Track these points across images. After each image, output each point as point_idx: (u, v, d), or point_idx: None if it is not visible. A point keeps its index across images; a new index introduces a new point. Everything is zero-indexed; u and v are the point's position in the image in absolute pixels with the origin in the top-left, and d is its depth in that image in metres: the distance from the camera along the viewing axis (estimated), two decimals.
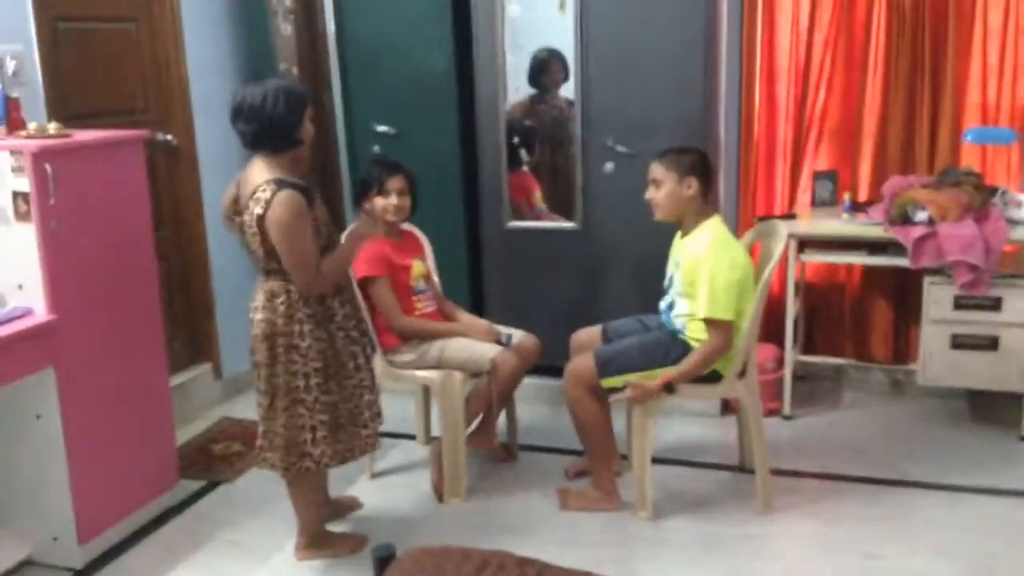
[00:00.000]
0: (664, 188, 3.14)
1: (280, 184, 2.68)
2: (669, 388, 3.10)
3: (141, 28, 3.97)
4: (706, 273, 3.04)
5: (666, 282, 3.30)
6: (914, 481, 3.47)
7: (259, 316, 2.81)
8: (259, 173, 2.73)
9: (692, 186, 3.12)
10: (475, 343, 3.43)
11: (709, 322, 3.05)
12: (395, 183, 3.39)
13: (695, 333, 3.14)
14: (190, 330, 4.31)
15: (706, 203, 3.19)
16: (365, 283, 3.38)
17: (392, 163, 3.50)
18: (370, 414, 2.97)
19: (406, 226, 3.59)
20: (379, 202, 3.40)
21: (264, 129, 2.72)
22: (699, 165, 3.16)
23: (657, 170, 3.15)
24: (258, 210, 2.68)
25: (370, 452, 3.06)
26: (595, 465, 3.35)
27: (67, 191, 2.88)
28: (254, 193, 2.70)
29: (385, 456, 3.77)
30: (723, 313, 3.03)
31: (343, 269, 2.89)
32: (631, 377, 3.19)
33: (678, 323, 3.21)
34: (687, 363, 3.10)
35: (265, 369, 2.82)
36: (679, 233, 3.25)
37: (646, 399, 3.12)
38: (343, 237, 3.02)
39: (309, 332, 2.80)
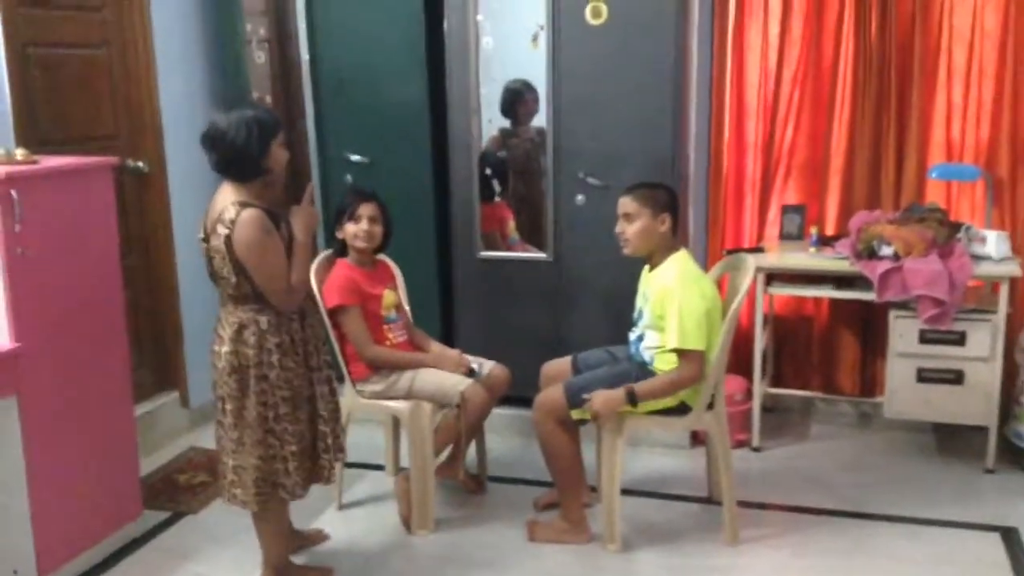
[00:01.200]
0: (637, 223, 3.16)
1: (244, 205, 2.69)
2: (631, 399, 3.09)
3: (112, 54, 3.96)
4: (675, 305, 3.07)
5: (635, 314, 3.32)
6: (879, 514, 3.49)
7: (226, 348, 2.77)
8: (225, 197, 2.74)
9: (666, 222, 3.16)
10: (445, 375, 3.42)
11: (680, 352, 3.07)
12: (366, 209, 3.40)
13: (664, 365, 3.16)
14: (158, 358, 4.27)
15: (675, 237, 3.22)
16: (336, 312, 3.37)
17: (365, 191, 3.50)
18: (324, 445, 2.94)
19: (379, 257, 3.59)
20: (350, 228, 3.40)
21: (229, 157, 2.72)
22: (672, 201, 3.20)
23: (629, 205, 3.17)
24: (224, 231, 2.67)
25: (325, 483, 3.01)
26: (564, 497, 3.34)
27: (33, 218, 2.85)
28: (220, 216, 2.69)
29: (353, 487, 3.74)
30: (693, 343, 3.05)
31: (307, 268, 2.88)
32: None
33: (647, 355, 3.22)
34: (656, 380, 3.11)
35: (234, 403, 2.79)
36: (647, 266, 3.27)
37: (609, 409, 3.11)
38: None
39: (278, 362, 2.78)
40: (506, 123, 4.20)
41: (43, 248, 2.90)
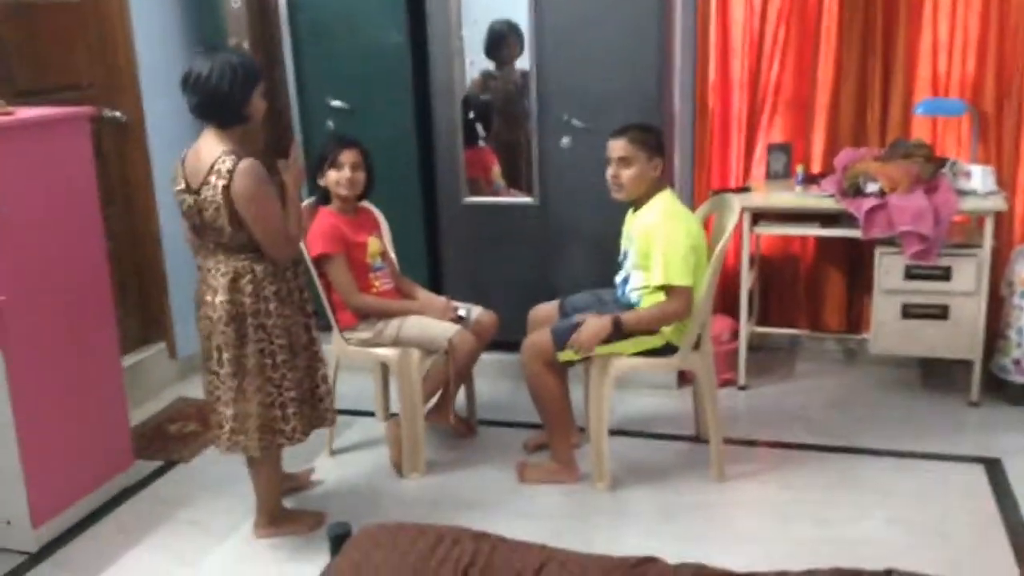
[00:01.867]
0: (634, 167, 3.14)
1: (237, 155, 2.66)
2: (617, 328, 3.09)
3: (86, 2, 3.88)
4: (660, 242, 3.07)
5: (621, 256, 3.32)
6: (865, 448, 3.54)
7: (221, 298, 2.76)
8: (212, 147, 2.70)
9: (658, 167, 3.15)
10: (432, 322, 3.42)
11: (666, 289, 3.07)
12: (348, 156, 3.37)
13: (649, 304, 3.16)
14: (143, 309, 4.26)
15: (660, 180, 3.21)
16: (321, 261, 3.36)
17: (347, 137, 3.47)
18: (324, 387, 2.98)
19: (362, 204, 3.57)
20: (332, 175, 3.38)
21: (210, 102, 2.69)
22: (661, 144, 3.20)
23: (624, 148, 3.14)
24: (221, 181, 2.65)
25: (329, 425, 3.07)
26: (553, 438, 3.37)
27: (11, 170, 2.82)
28: (213, 166, 2.66)
29: (344, 433, 3.77)
30: (680, 279, 3.06)
31: (300, 219, 2.87)
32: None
33: (634, 296, 3.23)
34: (643, 312, 3.12)
35: (232, 351, 2.78)
36: (632, 208, 3.26)
37: (596, 337, 3.10)
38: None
39: (275, 310, 2.79)
40: (488, 65, 4.15)
41: (23, 200, 2.88)
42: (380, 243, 3.54)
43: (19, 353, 2.90)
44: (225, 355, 2.80)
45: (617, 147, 3.16)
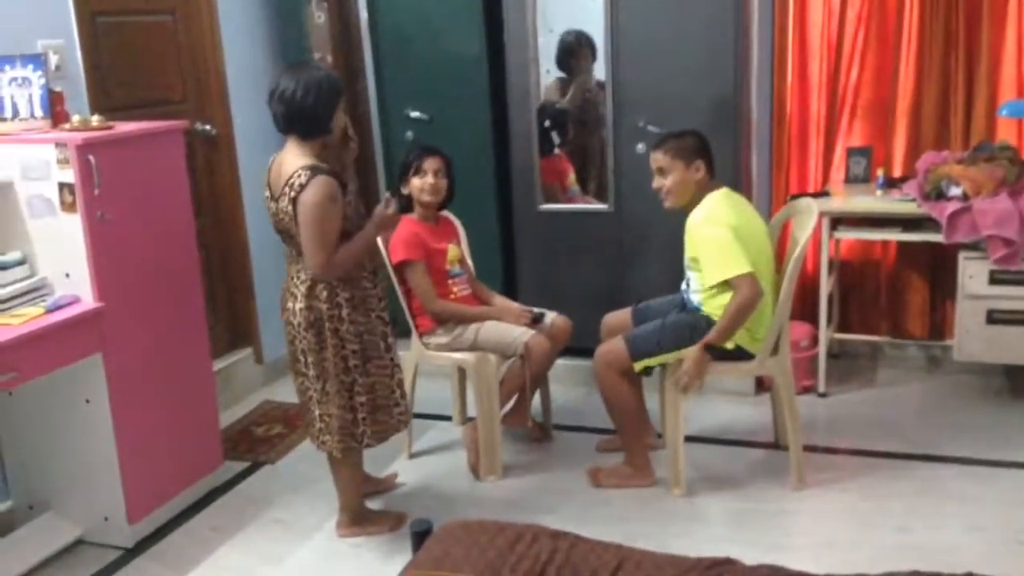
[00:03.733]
0: (672, 175, 3.16)
1: (315, 170, 2.76)
2: (712, 350, 3.10)
3: (178, 20, 4.05)
4: (701, 242, 3.10)
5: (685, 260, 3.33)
6: (948, 456, 3.47)
7: (300, 304, 2.87)
8: (293, 159, 2.81)
9: (700, 169, 3.15)
10: (509, 326, 3.47)
11: (728, 283, 3.07)
12: (432, 163, 3.44)
13: (711, 308, 3.17)
14: (231, 316, 4.41)
15: (712, 179, 3.20)
16: (402, 267, 3.44)
17: (430, 145, 3.55)
18: (400, 392, 3.05)
19: (442, 212, 3.64)
20: (415, 182, 3.45)
21: (295, 116, 2.80)
22: (702, 146, 3.18)
23: (662, 159, 3.17)
24: (292, 193, 2.76)
25: (403, 430, 3.13)
26: (628, 442, 3.39)
27: (111, 181, 2.96)
28: (290, 179, 2.77)
29: (422, 436, 3.85)
30: (735, 269, 3.04)
31: (357, 258, 2.88)
32: (662, 358, 3.23)
33: (695, 300, 3.23)
34: (721, 321, 3.08)
35: (314, 355, 2.90)
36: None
37: (699, 373, 3.12)
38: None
39: (347, 316, 2.88)
40: (562, 75, 4.19)
41: (121, 211, 3.02)
42: (459, 250, 3.61)
43: (117, 357, 3.05)
44: (309, 359, 2.91)
45: (654, 159, 3.20)
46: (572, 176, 4.31)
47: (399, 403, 3.04)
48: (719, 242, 3.06)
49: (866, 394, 4.09)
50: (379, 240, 3.31)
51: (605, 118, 4.01)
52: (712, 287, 3.10)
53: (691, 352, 3.12)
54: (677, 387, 3.15)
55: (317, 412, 2.97)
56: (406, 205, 3.52)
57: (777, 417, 3.57)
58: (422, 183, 3.44)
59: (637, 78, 3.92)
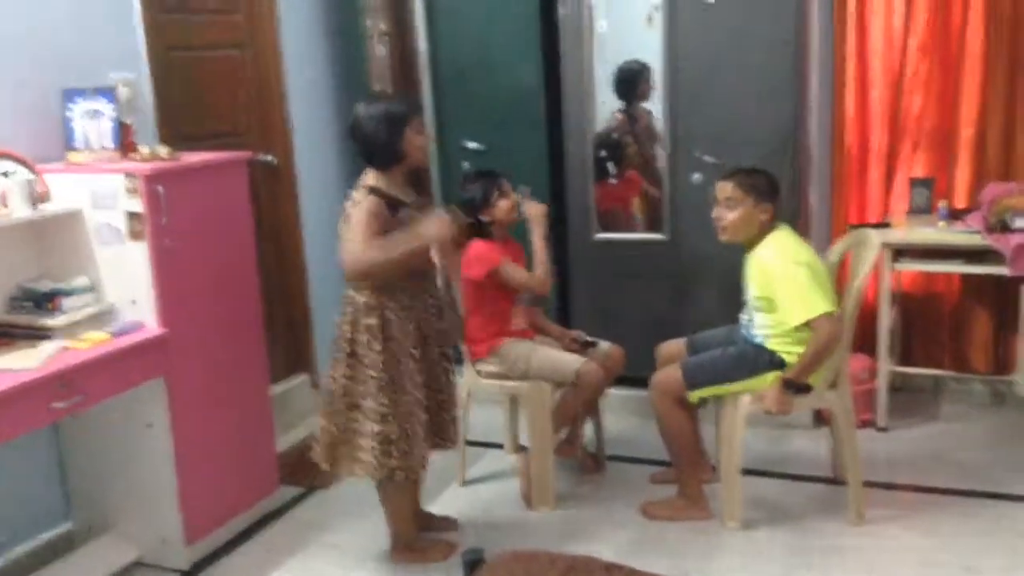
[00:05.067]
0: (738, 210, 3.13)
1: (371, 191, 2.86)
2: (795, 388, 3.06)
3: (246, 54, 4.16)
4: (780, 283, 3.04)
5: (745, 296, 3.30)
6: (1015, 494, 3.37)
7: (337, 320, 2.98)
8: (362, 180, 2.91)
9: (768, 211, 3.13)
10: (561, 354, 3.47)
11: (808, 324, 3.02)
12: (508, 184, 3.49)
13: (778, 345, 3.13)
14: (289, 342, 4.47)
15: (772, 221, 3.17)
16: (499, 270, 3.41)
17: (493, 171, 3.56)
18: (424, 432, 2.99)
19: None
20: (503, 204, 3.47)
21: (363, 147, 2.92)
22: (773, 188, 3.15)
23: (731, 191, 3.14)
24: (346, 212, 2.86)
25: (417, 475, 3.07)
26: (682, 474, 3.35)
27: (176, 210, 3.04)
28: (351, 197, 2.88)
29: (474, 464, 3.85)
30: (816, 309, 3.00)
31: (389, 255, 2.81)
32: (719, 389, 3.20)
33: (758, 337, 3.19)
34: (803, 358, 3.04)
35: (333, 371, 2.99)
36: (745, 250, 3.23)
37: (785, 406, 3.08)
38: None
39: (366, 343, 2.91)
40: (620, 104, 4.21)
41: (186, 239, 3.10)
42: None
43: (179, 381, 3.11)
44: (334, 375, 2.97)
45: (723, 188, 3.16)
46: (637, 201, 4.30)
47: (420, 445, 2.98)
48: (799, 281, 3.02)
49: (928, 429, 4.00)
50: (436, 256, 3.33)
51: (662, 148, 4.01)
52: (795, 328, 3.05)
53: (773, 395, 3.07)
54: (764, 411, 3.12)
55: (337, 429, 3.01)
56: (478, 231, 3.51)
57: (836, 450, 3.50)
58: (509, 203, 3.47)
59: (695, 108, 3.92)
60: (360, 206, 2.84)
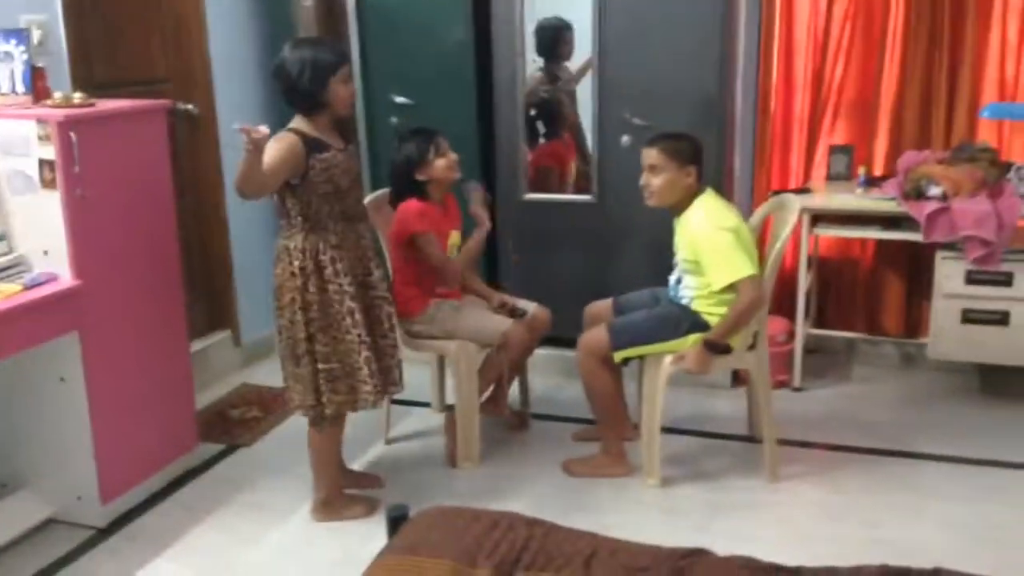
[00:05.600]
0: (663, 175, 3.16)
1: (291, 131, 2.86)
2: (716, 349, 3.12)
3: None
4: (705, 247, 3.09)
5: (675, 259, 3.34)
6: (921, 452, 3.51)
7: (273, 270, 2.99)
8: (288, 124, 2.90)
9: (691, 174, 3.16)
10: (486, 315, 3.48)
11: (733, 287, 3.08)
12: (445, 142, 3.43)
13: (703, 307, 3.19)
14: (210, 298, 4.39)
15: (699, 184, 3.21)
16: (416, 237, 3.38)
17: (430, 128, 3.49)
18: (368, 371, 2.99)
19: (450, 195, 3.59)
20: (441, 163, 3.40)
21: (287, 91, 2.89)
22: (697, 152, 3.19)
23: (655, 157, 3.16)
24: None
25: (369, 407, 3.07)
26: (605, 432, 3.41)
27: (91, 159, 2.94)
28: None
29: (400, 423, 3.85)
30: (740, 272, 3.06)
31: (244, 176, 2.70)
32: (645, 350, 3.24)
33: (685, 298, 3.25)
34: (724, 320, 3.09)
35: (277, 320, 2.99)
36: (674, 214, 3.26)
37: (705, 365, 3.14)
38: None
39: (301, 286, 2.91)
40: (544, 64, 4.19)
41: (101, 189, 3.00)
42: (458, 237, 3.58)
43: (94, 336, 3.03)
44: (276, 322, 3.00)
45: (648, 155, 3.19)
46: (574, 164, 4.30)
47: (366, 381, 2.99)
48: (724, 245, 3.07)
49: (841, 390, 4.13)
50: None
51: (589, 109, 4.01)
52: (720, 290, 3.11)
53: (694, 355, 3.13)
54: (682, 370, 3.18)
55: (290, 369, 3.02)
56: (414, 189, 3.43)
57: (752, 410, 3.60)
58: (448, 161, 3.42)
59: (623, 71, 3.92)
60: (275, 141, 2.81)
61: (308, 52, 2.87)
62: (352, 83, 3.00)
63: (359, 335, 2.97)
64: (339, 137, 3.00)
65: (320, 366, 2.96)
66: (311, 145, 2.85)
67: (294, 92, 2.87)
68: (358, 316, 2.97)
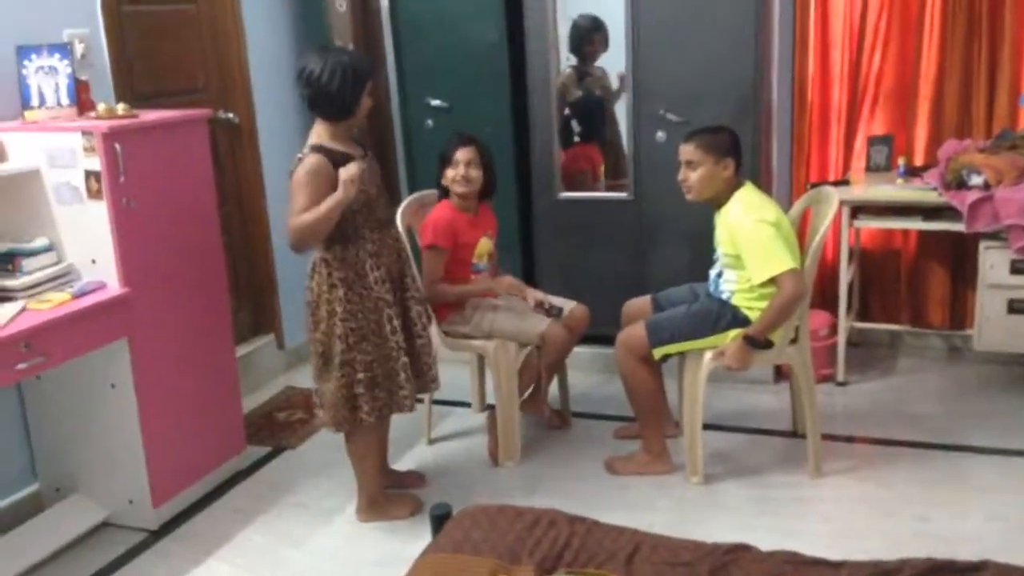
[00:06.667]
0: (700, 170, 3.15)
1: (316, 149, 2.85)
2: (756, 343, 3.10)
3: (201, 8, 4.08)
4: (745, 242, 3.07)
5: (716, 253, 3.33)
6: (968, 446, 3.47)
7: (307, 284, 2.99)
8: (311, 139, 2.90)
9: (729, 167, 3.15)
10: (525, 315, 3.49)
11: (774, 280, 3.06)
12: (463, 154, 3.43)
13: (743, 301, 3.17)
14: (253, 303, 4.46)
15: (738, 177, 3.20)
16: (425, 251, 3.46)
17: (465, 135, 3.52)
18: (404, 376, 3.01)
19: (485, 203, 3.61)
20: (448, 173, 3.45)
21: (320, 98, 2.86)
22: (734, 145, 3.17)
23: (692, 152, 3.16)
24: (292, 169, 2.87)
25: (406, 411, 3.07)
26: (646, 430, 3.41)
27: (136, 169, 3.00)
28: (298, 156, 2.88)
29: (442, 423, 3.88)
30: (780, 266, 3.03)
31: (314, 224, 2.80)
32: (684, 346, 3.24)
33: (725, 293, 3.24)
34: (765, 314, 3.08)
35: (310, 333, 3.00)
36: (715, 208, 3.25)
37: (744, 361, 3.12)
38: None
39: (343, 296, 2.92)
40: (576, 62, 4.20)
41: (146, 198, 3.06)
42: (491, 244, 3.60)
43: (143, 342, 3.09)
44: (311, 336, 3.00)
45: (684, 151, 3.18)
46: (603, 167, 4.32)
47: (403, 386, 3.02)
48: (764, 239, 3.05)
49: (885, 383, 4.08)
50: (398, 223, 3.37)
51: (625, 105, 4.01)
52: (760, 284, 3.09)
53: (734, 350, 3.11)
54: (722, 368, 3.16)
55: (315, 388, 3.04)
56: (445, 193, 3.52)
57: (796, 405, 3.58)
58: (454, 173, 3.44)
59: (657, 66, 3.92)
60: (303, 164, 2.84)
61: (345, 59, 2.87)
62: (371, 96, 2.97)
63: (397, 341, 2.99)
64: (357, 145, 3.02)
65: (360, 375, 2.95)
66: (336, 160, 2.86)
67: (326, 97, 2.84)
68: (396, 322, 2.99)
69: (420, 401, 3.21)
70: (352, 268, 2.93)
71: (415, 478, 3.45)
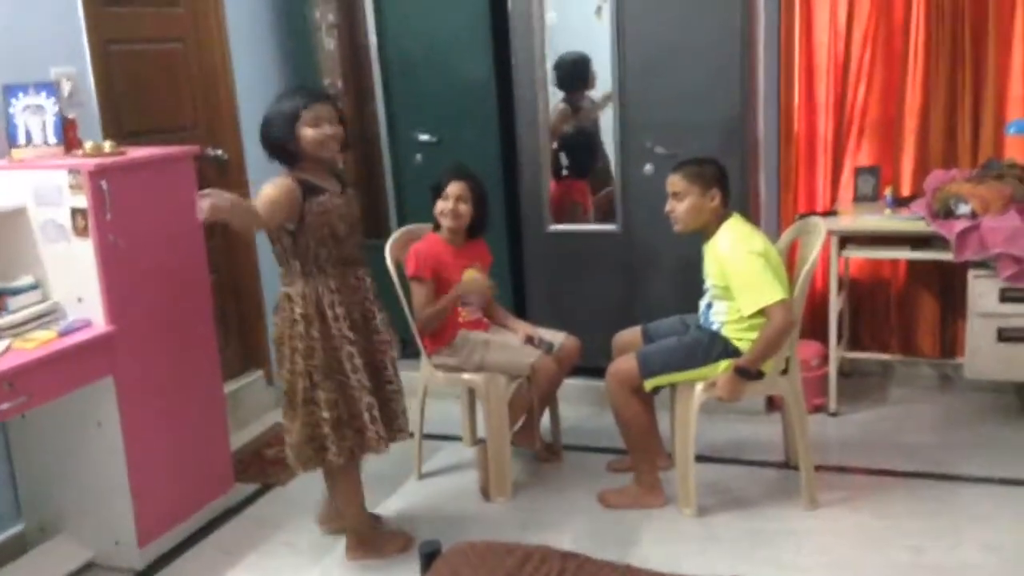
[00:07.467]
0: (687, 201, 3.16)
1: (289, 173, 2.87)
2: (747, 374, 3.10)
3: (189, 47, 4.10)
4: (733, 273, 3.08)
5: (705, 285, 3.33)
6: (961, 475, 3.45)
7: (274, 320, 2.99)
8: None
9: (715, 198, 3.16)
10: (515, 347, 3.48)
11: (763, 312, 3.06)
12: (454, 188, 3.45)
13: (733, 332, 3.17)
14: (242, 339, 4.43)
15: (725, 208, 3.21)
16: (410, 282, 3.45)
17: (460, 170, 3.53)
18: (369, 416, 2.96)
19: (475, 238, 3.61)
20: (438, 204, 3.47)
21: (265, 148, 2.93)
22: (720, 175, 3.19)
23: (678, 183, 3.17)
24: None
25: (378, 452, 3.03)
26: (638, 462, 3.38)
27: (123, 206, 3.00)
28: None
29: (432, 457, 3.85)
30: (770, 297, 3.04)
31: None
32: (675, 377, 3.23)
33: (715, 324, 3.23)
34: (755, 346, 3.08)
35: (279, 371, 3.00)
36: (703, 240, 3.26)
37: (736, 392, 3.12)
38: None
39: (303, 332, 2.90)
40: (564, 96, 4.21)
41: (133, 235, 3.05)
42: (482, 277, 3.56)
43: (129, 380, 3.07)
44: (279, 373, 2.99)
45: (672, 182, 3.20)
46: (588, 193, 4.33)
47: (369, 427, 2.96)
48: (753, 270, 3.05)
49: (877, 413, 4.07)
50: (387, 258, 3.38)
51: (612, 139, 4.03)
52: (750, 316, 3.09)
53: (726, 381, 3.11)
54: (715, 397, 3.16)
55: (284, 426, 3.02)
56: (437, 225, 3.54)
57: (788, 436, 3.56)
58: (443, 206, 3.46)
59: (644, 99, 3.94)
60: (273, 182, 2.84)
61: (273, 105, 2.91)
62: (325, 125, 2.85)
63: (359, 380, 2.94)
64: (336, 182, 2.99)
65: (324, 414, 2.91)
66: (308, 188, 2.84)
67: (267, 146, 2.89)
68: (358, 361, 2.94)
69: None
70: (313, 304, 2.90)
71: (402, 538, 3.26)
